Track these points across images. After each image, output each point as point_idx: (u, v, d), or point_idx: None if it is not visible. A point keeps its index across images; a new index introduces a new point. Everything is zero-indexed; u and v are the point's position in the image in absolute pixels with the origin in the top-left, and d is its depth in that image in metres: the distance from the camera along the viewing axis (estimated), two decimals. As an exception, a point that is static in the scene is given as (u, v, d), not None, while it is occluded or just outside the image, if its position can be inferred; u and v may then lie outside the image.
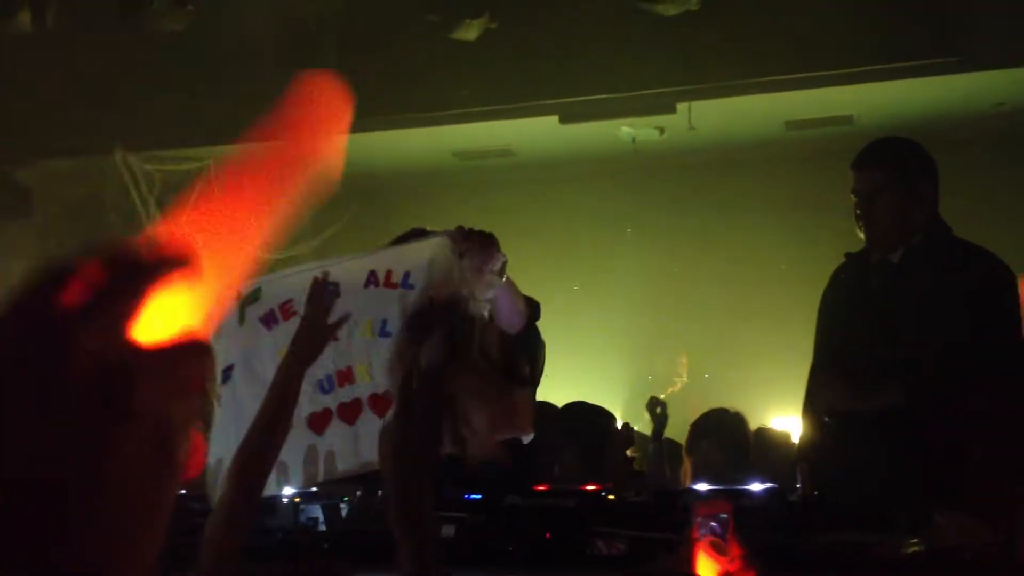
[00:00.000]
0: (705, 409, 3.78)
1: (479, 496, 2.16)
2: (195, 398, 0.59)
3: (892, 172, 3.15)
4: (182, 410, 0.58)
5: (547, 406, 3.85)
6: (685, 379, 7.52)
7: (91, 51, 6.13)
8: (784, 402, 5.82)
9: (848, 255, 3.33)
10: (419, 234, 3.01)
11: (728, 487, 2.36)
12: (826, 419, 2.99)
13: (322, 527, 2.20)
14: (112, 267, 0.57)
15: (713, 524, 1.81)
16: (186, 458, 0.59)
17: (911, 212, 3.12)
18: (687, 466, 3.41)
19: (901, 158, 3.19)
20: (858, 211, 3.18)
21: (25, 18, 5.73)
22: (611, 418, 3.66)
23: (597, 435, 3.61)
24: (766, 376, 6.59)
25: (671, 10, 5.76)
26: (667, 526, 2.11)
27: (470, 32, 5.93)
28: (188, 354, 0.58)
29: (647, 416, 4.43)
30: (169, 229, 0.62)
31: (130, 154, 6.26)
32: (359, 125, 6.55)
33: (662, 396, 5.05)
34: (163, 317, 0.58)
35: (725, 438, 3.29)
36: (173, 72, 6.29)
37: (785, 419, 5.74)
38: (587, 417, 3.71)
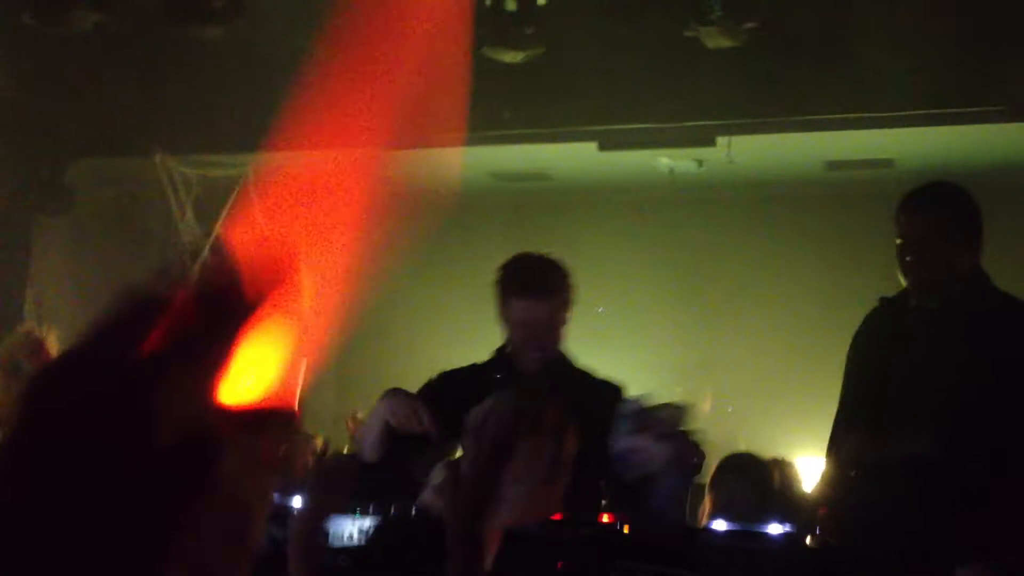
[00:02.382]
0: (726, 444, 3.76)
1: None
2: (276, 473, 0.52)
3: (948, 218, 3.10)
4: (261, 486, 0.51)
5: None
6: (708, 412, 7.46)
7: (135, 52, 6.21)
8: (808, 443, 5.77)
9: (883, 299, 3.28)
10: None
11: (746, 527, 2.33)
12: (851, 468, 2.95)
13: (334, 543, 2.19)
14: (206, 306, 0.50)
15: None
16: (261, 538, 0.52)
17: (957, 260, 3.08)
18: (707, 503, 3.38)
19: (957, 204, 3.14)
20: (907, 256, 3.11)
21: (73, 18, 5.82)
22: None
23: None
24: (792, 415, 6.53)
25: (719, 42, 5.77)
26: (684, 562, 2.10)
27: (516, 56, 5.95)
28: (275, 424, 0.51)
29: None
30: (270, 247, 0.53)
31: (170, 157, 6.32)
32: (399, 141, 6.57)
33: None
34: (254, 369, 0.50)
35: (753, 478, 3.25)
36: (217, 76, 6.36)
37: (807, 458, 5.69)
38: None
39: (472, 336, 7.16)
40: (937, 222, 3.08)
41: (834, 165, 6.79)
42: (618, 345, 7.39)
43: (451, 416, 2.86)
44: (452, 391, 3.07)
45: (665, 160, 6.76)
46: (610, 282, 7.48)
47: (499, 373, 3.17)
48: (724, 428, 6.49)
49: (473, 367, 3.28)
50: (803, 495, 3.60)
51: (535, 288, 3.12)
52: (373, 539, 2.23)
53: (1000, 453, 2.79)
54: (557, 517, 2.29)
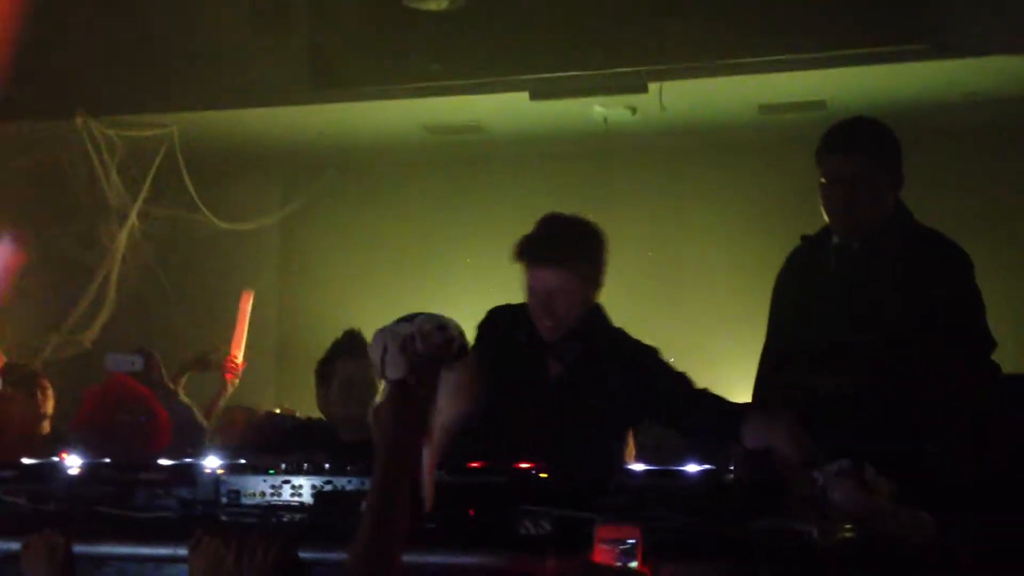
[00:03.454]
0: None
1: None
2: None
3: (862, 155, 3.06)
4: None
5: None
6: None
7: (55, 11, 6.02)
8: (747, 386, 5.79)
9: (804, 237, 3.26)
10: None
11: (665, 467, 2.32)
12: (768, 403, 2.94)
13: (244, 501, 2.14)
14: None
15: (621, 549, 1.71)
16: None
17: (878, 197, 3.06)
18: (631, 447, 3.37)
19: (871, 142, 3.11)
20: (828, 193, 3.09)
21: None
22: None
23: None
24: (728, 358, 6.55)
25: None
26: (599, 507, 2.07)
27: (440, 3, 5.85)
28: None
29: None
30: None
31: (92, 119, 6.15)
32: (330, 95, 6.47)
33: None
34: None
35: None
36: (138, 36, 6.19)
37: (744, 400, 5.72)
38: None
39: (406, 292, 7.12)
40: (856, 159, 3.05)
41: (767, 109, 6.78)
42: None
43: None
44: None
45: (599, 109, 6.70)
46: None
47: (523, 336, 3.06)
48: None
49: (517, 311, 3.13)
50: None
51: (548, 257, 2.99)
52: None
53: (921, 386, 2.80)
54: (475, 465, 2.25)
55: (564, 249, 3.03)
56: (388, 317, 3.52)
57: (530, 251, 3.02)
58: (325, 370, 3.66)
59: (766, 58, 6.01)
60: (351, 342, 3.61)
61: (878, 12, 5.73)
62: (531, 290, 3.03)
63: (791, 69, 6.09)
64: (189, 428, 4.66)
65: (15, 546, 2.08)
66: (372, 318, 3.73)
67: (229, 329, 5.77)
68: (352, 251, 7.74)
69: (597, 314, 3.14)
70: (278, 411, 5.54)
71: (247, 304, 5.79)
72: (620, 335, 3.17)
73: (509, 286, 3.22)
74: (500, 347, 3.02)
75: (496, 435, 2.46)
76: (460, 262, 7.43)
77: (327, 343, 3.84)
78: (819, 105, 6.59)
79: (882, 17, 5.72)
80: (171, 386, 4.85)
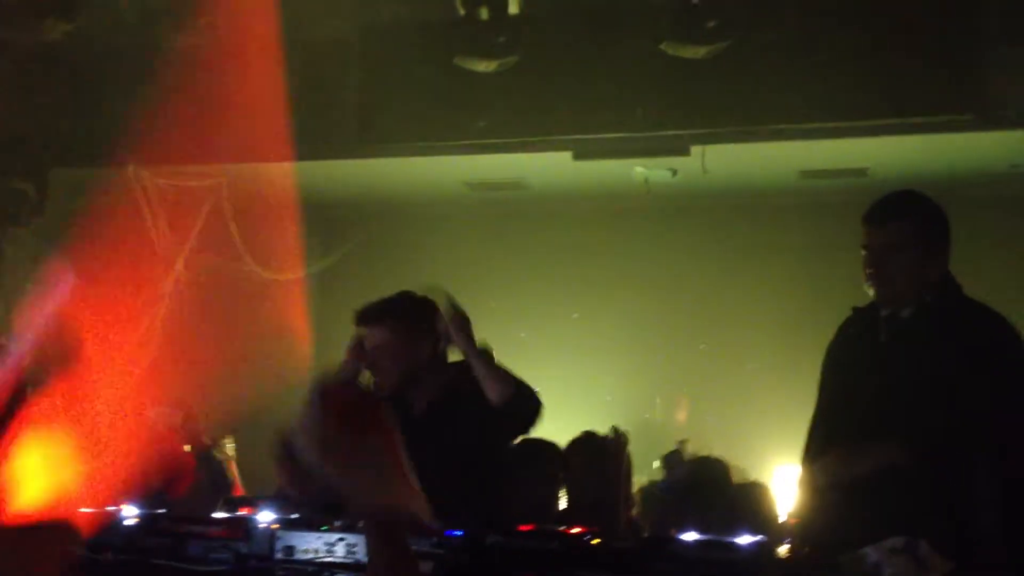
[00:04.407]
0: (703, 452, 3.72)
1: (460, 533, 2.12)
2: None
3: (908, 228, 3.07)
4: None
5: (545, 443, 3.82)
6: (683, 418, 7.46)
7: (108, 63, 6.16)
8: (785, 451, 5.76)
9: (856, 309, 3.27)
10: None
11: (717, 538, 2.31)
12: (825, 485, 2.92)
13: (298, 557, 2.16)
14: None
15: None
16: None
17: (924, 269, 3.07)
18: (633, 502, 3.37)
19: (917, 213, 3.13)
20: (869, 267, 3.11)
21: (48, 26, 5.77)
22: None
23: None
24: (768, 424, 6.53)
25: (693, 53, 5.78)
26: (651, 573, 2.07)
27: (490, 65, 5.94)
28: (54, 542, 0.54)
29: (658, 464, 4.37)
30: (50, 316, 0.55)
31: (142, 168, 6.27)
32: (375, 150, 6.57)
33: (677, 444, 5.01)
34: (28, 480, 0.53)
35: (708, 490, 3.22)
36: (190, 89, 6.32)
37: (784, 467, 5.69)
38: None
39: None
40: (898, 232, 3.07)
41: (808, 174, 6.81)
42: (594, 354, 7.38)
43: None
44: None
45: (640, 169, 6.76)
46: (585, 291, 7.48)
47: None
48: (701, 436, 6.49)
49: None
50: (773, 512, 3.57)
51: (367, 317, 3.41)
52: None
53: (974, 462, 2.78)
54: (525, 528, 2.26)
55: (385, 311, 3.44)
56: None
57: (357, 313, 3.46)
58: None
59: (809, 125, 6.05)
60: (364, 312, 3.53)
61: (923, 81, 5.75)
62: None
63: (833, 136, 6.12)
64: (219, 482, 4.72)
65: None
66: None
67: (267, 377, 5.81)
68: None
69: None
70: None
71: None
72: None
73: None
74: None
75: None
76: (498, 316, 7.47)
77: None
78: (860, 172, 6.61)
79: (926, 86, 5.74)
80: (206, 440, 4.90)
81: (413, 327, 3.38)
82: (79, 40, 6.05)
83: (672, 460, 4.41)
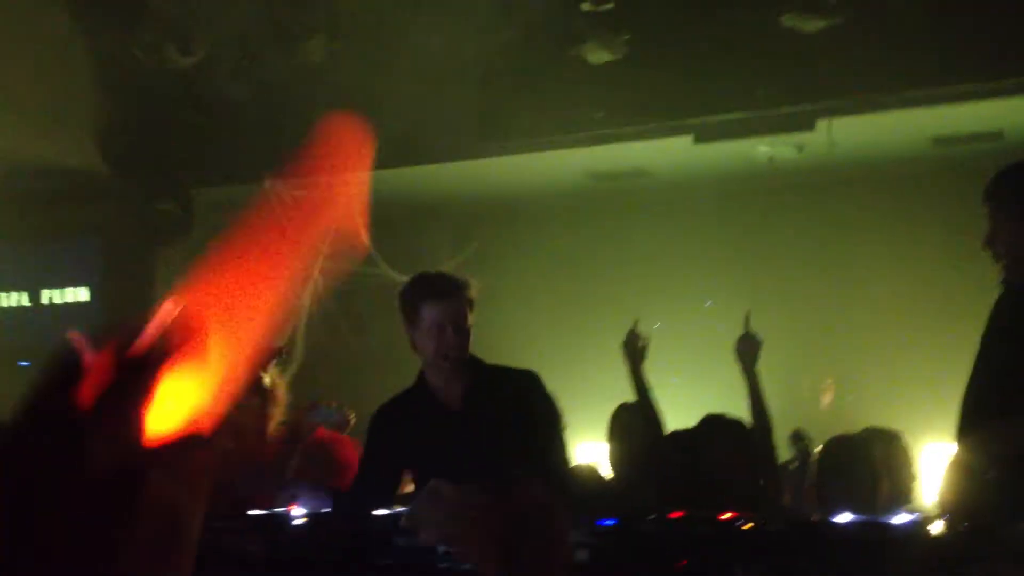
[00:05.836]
0: (853, 430, 3.64)
1: (612, 522, 2.16)
2: (203, 490, 0.63)
3: (1012, 203, 3.06)
4: (189, 499, 0.62)
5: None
6: (828, 400, 7.32)
7: (242, 81, 6.41)
8: (935, 427, 5.62)
9: (1004, 281, 3.21)
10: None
11: (871, 519, 2.29)
12: (981, 466, 2.86)
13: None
14: (120, 361, 0.61)
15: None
16: (194, 549, 0.62)
17: None
18: (810, 497, 3.32)
19: (1020, 188, 3.09)
20: (986, 242, 3.11)
21: (173, 52, 6.04)
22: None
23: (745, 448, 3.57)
24: (916, 400, 6.36)
25: (814, 25, 5.67)
26: (804, 558, 2.07)
27: (605, 53, 5.96)
28: (192, 446, 0.62)
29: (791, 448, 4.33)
30: (179, 305, 0.65)
31: (279, 181, 6.49)
32: (497, 147, 6.67)
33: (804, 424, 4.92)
34: (170, 407, 0.61)
35: (855, 468, 3.18)
36: (324, 102, 6.52)
37: (935, 444, 5.54)
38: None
39: (574, 331, 7.20)
40: (1005, 208, 3.04)
41: (941, 141, 6.59)
42: (729, 336, 7.31)
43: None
44: None
45: (764, 148, 6.66)
46: (717, 275, 7.41)
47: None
48: (848, 414, 6.37)
49: None
50: (912, 474, 3.48)
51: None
52: None
53: None
54: (676, 514, 2.29)
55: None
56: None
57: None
58: (411, 312, 3.45)
59: (939, 89, 5.86)
60: (436, 284, 3.45)
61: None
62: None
63: (966, 99, 5.92)
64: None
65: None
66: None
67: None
68: (520, 298, 7.89)
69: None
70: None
71: None
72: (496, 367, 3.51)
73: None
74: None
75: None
76: (626, 305, 7.48)
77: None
78: (996, 136, 6.37)
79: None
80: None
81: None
82: (210, 65, 6.31)
83: (797, 439, 4.35)
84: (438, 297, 3.33)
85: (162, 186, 6.68)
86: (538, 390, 3.41)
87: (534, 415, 3.34)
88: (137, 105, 6.52)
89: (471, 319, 3.36)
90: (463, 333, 3.32)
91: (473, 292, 3.39)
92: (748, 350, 3.90)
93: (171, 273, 6.95)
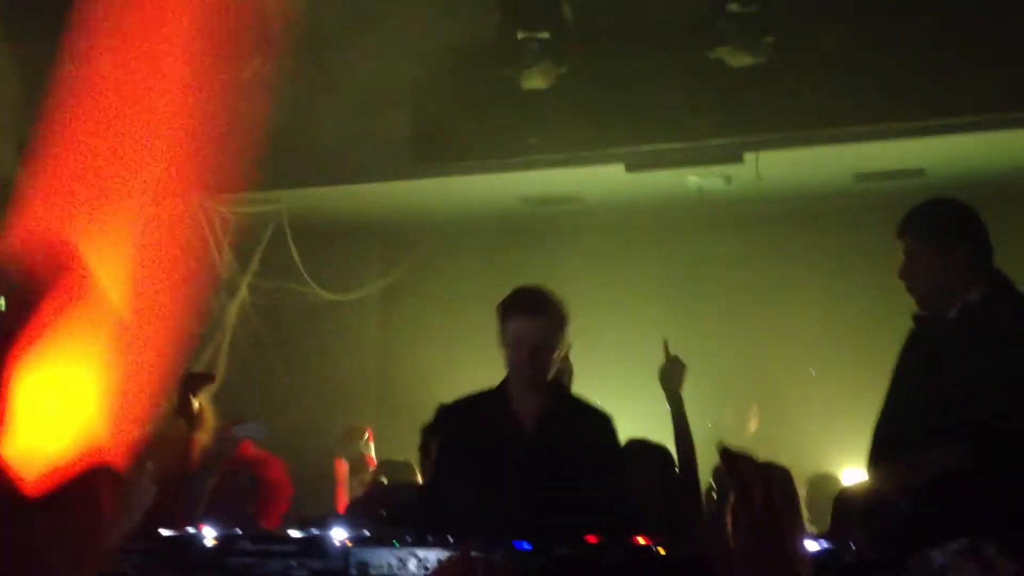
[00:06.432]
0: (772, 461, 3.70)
1: (528, 546, 2.17)
2: (111, 517, 0.60)
3: (921, 240, 3.21)
4: (95, 533, 0.59)
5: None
6: (753, 428, 7.41)
7: (169, 96, 6.32)
8: (850, 456, 5.73)
9: (913, 316, 3.31)
10: None
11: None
12: (892, 495, 2.93)
13: (372, 572, 2.22)
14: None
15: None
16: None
17: (947, 276, 3.15)
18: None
19: (931, 225, 3.22)
20: (903, 275, 3.23)
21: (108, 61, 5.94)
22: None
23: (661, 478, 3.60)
24: (833, 430, 6.48)
25: (742, 60, 5.79)
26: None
27: (539, 81, 6.01)
28: (97, 481, 0.59)
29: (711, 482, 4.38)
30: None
31: (206, 197, 6.42)
32: (431, 170, 6.65)
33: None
34: (67, 429, 0.58)
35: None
36: (249, 118, 6.46)
37: (852, 470, 5.67)
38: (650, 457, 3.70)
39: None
40: (916, 244, 3.17)
41: (864, 177, 6.76)
42: (654, 363, 7.38)
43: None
44: None
45: (694, 179, 6.76)
46: (643, 303, 7.48)
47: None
48: (768, 446, 6.46)
49: None
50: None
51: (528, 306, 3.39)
52: None
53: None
54: (592, 539, 2.30)
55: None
56: (483, 383, 3.63)
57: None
58: (499, 323, 3.50)
59: (863, 127, 6.01)
60: (521, 299, 3.46)
61: (978, 79, 5.70)
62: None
63: (889, 137, 6.07)
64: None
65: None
66: (468, 384, 3.85)
67: (333, 396, 5.91)
68: (450, 319, 7.88)
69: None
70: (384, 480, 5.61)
71: (343, 471, 5.80)
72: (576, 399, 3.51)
73: (601, 352, 3.37)
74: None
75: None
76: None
77: (425, 403, 3.93)
78: (918, 173, 6.55)
79: (982, 84, 5.69)
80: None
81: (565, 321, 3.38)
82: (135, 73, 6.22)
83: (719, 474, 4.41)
84: (520, 312, 3.33)
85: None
86: (611, 435, 3.38)
87: (602, 458, 3.31)
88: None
89: (556, 341, 3.33)
90: (540, 353, 3.29)
91: (562, 314, 3.36)
92: (672, 376, 3.95)
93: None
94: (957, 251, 3.15)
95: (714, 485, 4.39)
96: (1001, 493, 2.73)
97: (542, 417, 3.33)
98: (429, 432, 3.61)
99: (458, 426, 3.35)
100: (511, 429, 3.31)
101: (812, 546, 2.27)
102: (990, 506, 2.69)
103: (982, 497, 2.74)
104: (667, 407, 4.00)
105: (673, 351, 4.16)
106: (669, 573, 2.11)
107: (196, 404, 3.45)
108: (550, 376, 3.38)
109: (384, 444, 7.17)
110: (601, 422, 3.39)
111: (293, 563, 2.25)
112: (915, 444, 3.01)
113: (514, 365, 3.33)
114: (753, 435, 7.35)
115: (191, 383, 3.54)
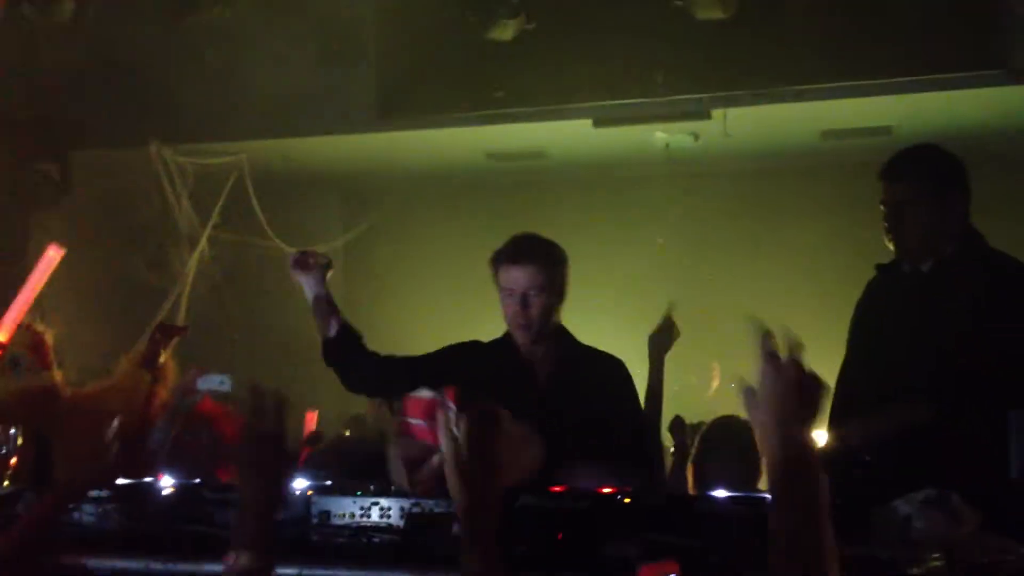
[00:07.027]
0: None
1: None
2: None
3: (921, 183, 3.08)
4: None
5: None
6: (715, 387, 7.44)
7: (128, 43, 6.18)
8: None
9: (879, 266, 3.27)
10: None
11: (741, 494, 2.32)
12: (854, 451, 2.91)
13: (334, 521, 2.18)
14: None
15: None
16: None
17: (941, 223, 3.06)
18: (690, 475, 3.35)
19: (930, 168, 3.12)
20: (886, 222, 3.13)
21: (66, 8, 5.79)
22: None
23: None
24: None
25: (709, 13, 5.73)
26: (683, 533, 2.08)
27: (506, 33, 5.92)
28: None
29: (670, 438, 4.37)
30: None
31: (165, 147, 6.29)
32: (395, 123, 6.56)
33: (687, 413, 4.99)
34: None
35: (736, 449, 3.21)
36: (210, 65, 6.33)
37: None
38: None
39: (471, 315, 7.17)
40: (912, 188, 3.08)
41: (831, 134, 6.75)
42: (619, 321, 7.37)
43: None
44: None
45: (661, 135, 6.73)
46: (609, 259, 7.46)
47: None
48: (730, 402, 6.47)
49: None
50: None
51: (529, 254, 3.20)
52: None
53: (996, 413, 2.76)
54: (557, 488, 2.27)
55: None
56: (446, 338, 3.57)
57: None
58: (493, 273, 3.30)
59: (831, 84, 5.99)
60: (514, 247, 3.25)
61: (946, 37, 5.69)
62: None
63: (856, 95, 6.06)
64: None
65: (117, 565, 2.15)
66: (432, 338, 3.79)
67: (292, 353, 5.83)
68: (413, 274, 7.83)
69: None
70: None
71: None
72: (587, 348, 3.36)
73: (568, 304, 3.30)
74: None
75: None
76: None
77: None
78: (885, 131, 6.55)
79: (951, 42, 5.68)
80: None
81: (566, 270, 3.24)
82: (95, 20, 6.07)
83: (675, 427, 4.40)
84: (511, 261, 3.14)
85: (40, 146, 6.39)
86: (628, 379, 3.27)
87: (621, 403, 3.20)
88: (21, 62, 6.23)
89: (555, 289, 3.16)
90: (533, 302, 3.12)
91: (555, 260, 3.18)
92: (664, 340, 3.87)
93: (46, 237, 6.67)
94: (951, 201, 3.09)
95: (673, 439, 4.39)
96: (965, 447, 2.74)
97: (555, 366, 3.20)
98: (430, 367, 3.35)
99: (466, 369, 3.14)
100: (524, 379, 3.17)
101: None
102: (954, 458, 2.70)
103: (947, 448, 2.75)
104: (650, 366, 3.94)
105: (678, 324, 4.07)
106: (635, 521, 2.09)
107: (162, 357, 3.37)
108: (551, 325, 3.22)
109: (346, 398, 7.11)
110: (615, 366, 3.27)
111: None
112: (879, 398, 3.00)
113: (508, 315, 3.18)
114: (715, 393, 7.38)
115: (163, 335, 3.46)
